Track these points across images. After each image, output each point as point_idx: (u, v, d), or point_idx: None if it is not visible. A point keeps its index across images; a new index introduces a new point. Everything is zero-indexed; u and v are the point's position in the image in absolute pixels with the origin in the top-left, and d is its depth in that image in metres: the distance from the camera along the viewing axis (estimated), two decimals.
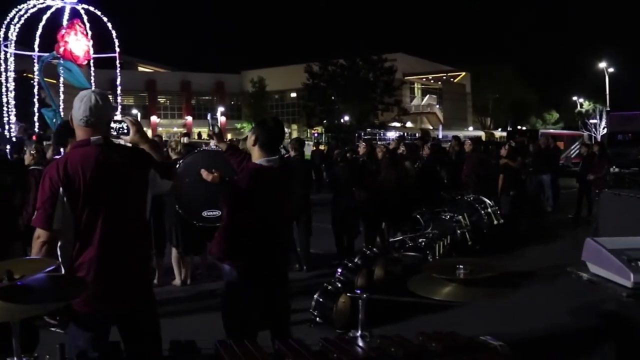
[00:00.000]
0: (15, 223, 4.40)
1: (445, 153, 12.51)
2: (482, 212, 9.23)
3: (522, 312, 5.82)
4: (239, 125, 64.48)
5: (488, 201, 9.51)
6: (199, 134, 39.28)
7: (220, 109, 60.73)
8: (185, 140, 10.09)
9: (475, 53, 65.01)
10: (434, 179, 10.29)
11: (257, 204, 3.86)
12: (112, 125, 3.48)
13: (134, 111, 56.98)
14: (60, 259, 3.14)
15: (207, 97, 70.40)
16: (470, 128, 62.45)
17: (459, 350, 2.09)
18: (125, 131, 3.53)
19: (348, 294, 5.08)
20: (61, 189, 3.05)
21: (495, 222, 9.29)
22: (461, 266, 2.27)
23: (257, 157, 3.99)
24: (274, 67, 65.02)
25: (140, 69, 70.54)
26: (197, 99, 70.05)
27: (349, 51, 45.18)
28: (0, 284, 2.04)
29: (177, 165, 5.26)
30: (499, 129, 59.32)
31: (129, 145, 3.58)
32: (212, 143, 5.18)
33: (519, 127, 58.88)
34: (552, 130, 42.81)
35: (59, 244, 3.13)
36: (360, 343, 2.12)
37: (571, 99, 62.36)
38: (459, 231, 8.62)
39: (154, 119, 62.29)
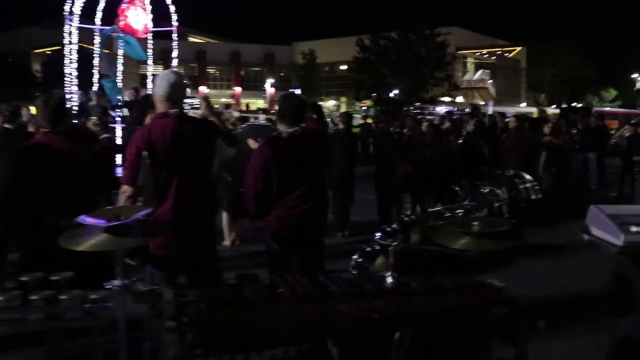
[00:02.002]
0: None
1: (489, 129, 12.75)
2: (521, 186, 9.55)
3: (541, 280, 6.34)
4: None
5: (528, 176, 9.81)
6: (247, 105, 39.84)
7: (270, 81, 61.23)
8: (237, 114, 10.66)
9: (532, 28, 63.13)
10: (476, 154, 10.62)
11: (279, 169, 4.16)
12: (186, 100, 4.11)
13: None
14: None
15: (256, 69, 70.71)
16: (523, 104, 61.33)
17: (468, 288, 2.58)
18: (197, 106, 4.15)
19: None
20: (145, 152, 3.66)
21: (534, 196, 9.59)
22: (475, 222, 2.75)
23: (281, 127, 4.37)
24: (324, 38, 64.94)
25: (191, 39, 71.26)
26: (246, 70, 70.37)
27: (402, 24, 44.85)
28: (111, 222, 2.63)
29: None
30: (553, 106, 58.13)
31: (199, 117, 4.18)
32: (261, 117, 5.74)
33: (574, 104, 57.58)
34: (607, 109, 41.88)
35: (140, 198, 3.76)
36: (389, 279, 2.62)
37: (631, 77, 60.32)
38: (496, 204, 8.97)
39: (203, 89, 62.84)
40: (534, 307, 2.69)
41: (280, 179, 4.17)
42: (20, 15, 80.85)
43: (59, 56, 44.04)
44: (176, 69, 4.10)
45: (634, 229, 3.12)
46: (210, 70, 68.98)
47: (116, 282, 2.68)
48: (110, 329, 4.43)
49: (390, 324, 2.35)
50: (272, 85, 60.53)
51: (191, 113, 4.29)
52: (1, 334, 4.55)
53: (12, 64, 50.13)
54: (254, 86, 67.86)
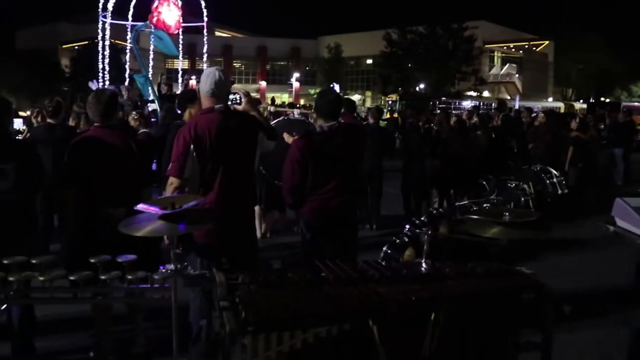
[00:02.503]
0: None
1: (516, 124, 12.81)
2: (548, 181, 9.64)
3: (567, 273, 6.51)
4: (312, 91, 65.02)
5: (554, 171, 9.89)
6: (273, 99, 40.14)
7: (296, 75, 61.43)
8: (272, 108, 10.92)
9: (561, 21, 62.49)
10: (503, 149, 10.71)
11: (314, 162, 4.37)
12: (229, 96, 4.34)
13: None
14: None
15: (282, 63, 71.01)
16: (550, 99, 60.69)
17: (498, 274, 2.76)
18: (239, 101, 4.37)
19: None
20: (192, 146, 3.90)
21: (560, 191, 9.67)
22: (506, 213, 2.92)
23: (319, 121, 4.60)
24: (350, 32, 64.91)
25: (218, 33, 71.72)
26: (272, 64, 70.74)
27: (429, 18, 44.74)
28: (167, 210, 2.86)
29: None
30: (581, 101, 57.38)
31: (242, 112, 4.40)
32: (295, 112, 5.95)
33: (602, 99, 56.75)
34: (636, 104, 41.34)
35: (186, 189, 3.99)
36: (424, 266, 2.82)
37: None
38: (522, 198, 9.08)
39: None
40: (560, 297, 2.83)
41: (315, 171, 4.38)
42: (47, 10, 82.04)
43: (88, 51, 44.79)
44: (220, 68, 4.32)
45: None
46: (237, 65, 69.34)
47: (170, 266, 2.90)
48: (151, 315, 4.73)
49: (426, 305, 2.54)
50: (297, 80, 60.69)
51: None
52: (54, 319, 4.87)
53: (41, 59, 50.90)
54: (279, 80, 68.12)
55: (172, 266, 2.88)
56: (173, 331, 2.95)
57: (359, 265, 2.88)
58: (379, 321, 2.45)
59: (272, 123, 6.68)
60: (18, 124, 5.54)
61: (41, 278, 2.92)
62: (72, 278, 3.00)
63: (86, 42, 51.42)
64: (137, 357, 4.53)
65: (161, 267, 2.99)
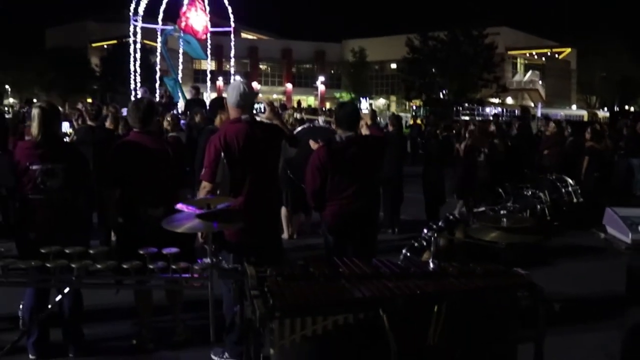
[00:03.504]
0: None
1: (534, 133, 13.07)
2: (563, 190, 9.91)
3: (577, 279, 6.97)
4: (337, 95, 65.46)
5: (570, 180, 10.15)
6: (299, 102, 40.52)
7: (321, 78, 61.82)
8: (298, 115, 11.31)
9: (584, 28, 62.01)
10: (520, 157, 11.00)
11: (333, 169, 4.75)
12: (254, 105, 4.76)
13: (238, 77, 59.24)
14: None
15: (307, 66, 71.56)
16: (574, 107, 60.38)
17: (496, 273, 3.11)
18: (263, 111, 4.80)
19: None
20: (222, 153, 4.32)
21: (575, 200, 9.93)
22: (505, 218, 3.28)
23: (338, 131, 4.96)
24: (375, 37, 65.20)
25: (244, 35, 72.40)
26: (297, 67, 71.31)
27: (451, 23, 44.79)
28: (203, 210, 3.26)
29: None
30: (605, 108, 56.96)
31: (266, 121, 4.81)
32: (320, 119, 6.34)
33: (626, 106, 56.26)
34: None
35: (218, 192, 4.40)
36: (431, 265, 3.18)
37: None
38: (539, 206, 9.38)
39: (254, 85, 63.68)
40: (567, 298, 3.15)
41: (334, 177, 4.77)
42: (76, 8, 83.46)
43: (117, 51, 45.43)
44: (245, 80, 4.75)
45: None
46: (262, 67, 70.01)
47: (207, 260, 3.30)
48: (188, 307, 5.15)
49: (430, 299, 2.91)
50: (322, 83, 61.10)
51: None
52: (100, 308, 5.31)
53: (71, 58, 51.91)
54: (305, 83, 68.69)
55: (208, 260, 3.27)
56: (210, 318, 3.35)
57: (372, 263, 3.25)
58: (388, 311, 2.82)
59: (297, 129, 7.12)
60: (65, 127, 5.94)
61: (98, 266, 3.32)
62: (124, 266, 3.38)
63: (115, 41, 52.45)
64: (176, 345, 4.95)
65: (199, 261, 3.39)
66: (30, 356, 4.51)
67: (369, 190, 4.96)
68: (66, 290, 3.56)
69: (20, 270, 3.35)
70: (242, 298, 3.13)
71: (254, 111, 4.78)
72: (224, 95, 5.23)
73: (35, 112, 4.34)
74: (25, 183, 4.32)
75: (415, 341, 2.91)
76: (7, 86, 53.63)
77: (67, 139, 7.68)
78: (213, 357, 4.65)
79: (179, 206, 3.51)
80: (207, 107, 10.15)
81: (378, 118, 12.09)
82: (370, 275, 3.05)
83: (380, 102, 64.17)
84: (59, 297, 3.86)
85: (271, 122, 4.80)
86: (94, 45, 59.92)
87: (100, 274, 3.44)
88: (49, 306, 4.42)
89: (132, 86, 16.81)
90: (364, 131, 5.30)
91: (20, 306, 4.98)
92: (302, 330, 2.78)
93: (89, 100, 41.38)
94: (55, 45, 54.15)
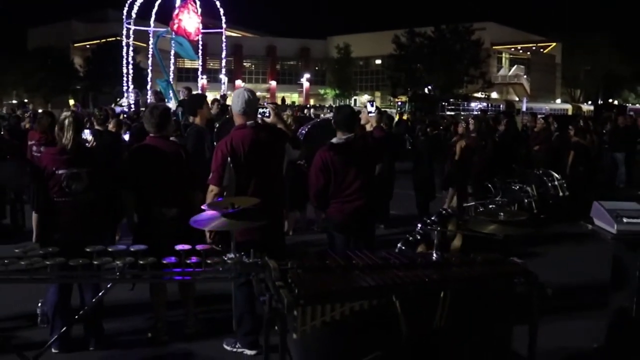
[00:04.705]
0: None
1: (521, 129, 13.45)
2: (550, 184, 10.29)
3: (563, 267, 7.38)
4: (322, 91, 65.77)
5: (556, 175, 10.54)
6: (283, 99, 40.66)
7: (306, 75, 62.01)
8: (311, 112, 11.59)
9: (568, 23, 62.84)
10: (507, 153, 11.37)
11: (335, 170, 5.04)
12: (259, 110, 5.05)
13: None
14: None
15: (292, 62, 71.74)
16: (558, 100, 61.13)
17: (494, 262, 3.45)
18: (267, 115, 5.09)
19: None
20: (229, 158, 4.63)
21: (561, 194, 10.32)
22: (501, 213, 3.62)
23: (338, 134, 5.25)
24: (359, 33, 65.51)
25: (228, 33, 72.15)
26: (282, 64, 71.45)
27: (437, 18, 45.19)
28: (227, 209, 3.56)
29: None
30: (589, 102, 57.71)
31: (271, 125, 5.10)
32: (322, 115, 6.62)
33: (609, 100, 57.05)
34: None
35: (225, 194, 4.69)
36: (435, 256, 3.51)
37: None
38: (526, 200, 9.75)
39: (238, 82, 63.74)
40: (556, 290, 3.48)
41: (336, 177, 5.08)
42: (59, 8, 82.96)
43: (102, 51, 45.26)
44: (248, 88, 5.05)
45: (625, 220, 4.07)
46: (246, 64, 70.06)
47: (230, 255, 3.59)
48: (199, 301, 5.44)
49: (437, 286, 3.24)
50: (307, 80, 61.30)
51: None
52: (118, 304, 5.58)
53: (53, 58, 51.72)
54: (289, 80, 68.83)
55: (231, 255, 3.57)
56: (233, 310, 3.65)
57: (383, 255, 3.58)
58: (400, 297, 3.15)
59: (307, 127, 7.45)
60: (86, 133, 6.22)
61: (118, 263, 3.55)
62: (141, 262, 3.63)
63: (98, 41, 52.33)
64: (188, 337, 5.25)
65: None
66: (54, 350, 4.75)
67: (370, 187, 5.26)
68: (109, 285, 3.81)
69: (45, 268, 3.55)
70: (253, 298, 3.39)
71: (259, 115, 5.07)
72: (208, 93, 5.56)
73: (66, 121, 4.60)
74: (51, 187, 4.59)
75: (423, 324, 3.24)
76: None
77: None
78: (225, 346, 4.96)
79: (204, 207, 3.81)
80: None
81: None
82: (382, 266, 3.37)
83: (365, 98, 64.52)
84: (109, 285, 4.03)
85: (275, 125, 5.10)
86: (76, 45, 59.69)
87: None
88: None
89: (125, 88, 16.99)
90: (368, 127, 5.58)
91: (39, 304, 5.27)
92: (322, 317, 3.09)
93: (71, 101, 41.21)
94: (38, 46, 53.90)
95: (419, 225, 7.48)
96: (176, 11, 16.22)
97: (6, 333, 5.10)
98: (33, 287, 5.08)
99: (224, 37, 17.99)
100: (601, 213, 4.18)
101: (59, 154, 4.63)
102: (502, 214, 3.61)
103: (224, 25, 17.76)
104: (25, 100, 33.61)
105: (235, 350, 4.89)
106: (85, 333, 5.00)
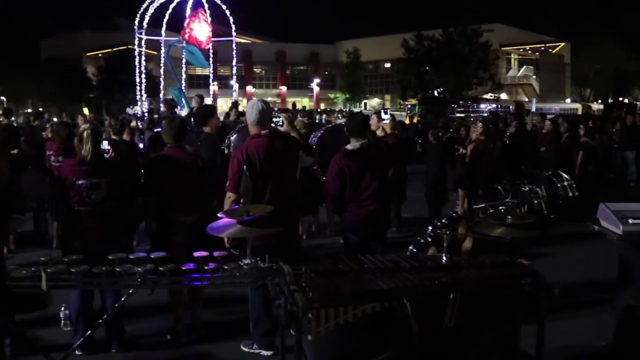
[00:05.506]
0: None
1: (530, 130, 13.52)
2: (559, 185, 10.36)
3: (572, 267, 7.48)
4: (332, 95, 65.91)
5: (565, 175, 10.61)
6: (294, 104, 40.77)
7: (316, 80, 62.17)
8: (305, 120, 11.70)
9: (576, 22, 62.40)
10: (517, 154, 11.45)
11: (351, 175, 5.20)
12: (273, 119, 5.21)
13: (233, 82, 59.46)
14: None
15: (301, 67, 71.95)
16: (568, 100, 60.81)
17: (502, 264, 3.56)
18: (281, 124, 5.25)
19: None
20: (245, 166, 4.78)
21: (571, 194, 10.38)
22: (509, 216, 3.74)
23: (351, 140, 5.41)
24: (368, 37, 65.59)
25: (237, 39, 72.49)
26: (291, 69, 71.69)
27: (446, 21, 45.21)
28: (242, 217, 3.70)
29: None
30: (599, 101, 57.39)
31: (284, 133, 5.26)
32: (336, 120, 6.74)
33: (620, 98, 56.69)
34: None
35: (242, 201, 4.84)
36: (444, 259, 3.63)
37: None
38: (535, 201, 9.83)
39: (249, 88, 64.08)
40: (564, 289, 3.59)
41: (352, 182, 5.23)
42: (70, 19, 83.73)
43: (114, 60, 45.62)
44: (262, 99, 5.20)
45: (630, 221, 4.19)
46: (257, 70, 70.29)
47: (246, 261, 3.73)
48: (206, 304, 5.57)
49: (447, 288, 3.36)
50: (317, 84, 61.47)
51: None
52: (137, 307, 5.73)
53: (66, 67, 52.23)
54: (299, 85, 69.05)
55: (247, 260, 3.71)
56: (250, 313, 3.79)
57: (393, 258, 3.71)
58: (411, 300, 3.27)
59: (319, 133, 7.60)
60: (104, 144, 6.38)
61: (138, 269, 3.70)
62: (161, 269, 3.78)
63: (110, 50, 52.80)
64: (206, 339, 5.39)
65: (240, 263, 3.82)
66: (77, 352, 4.87)
67: (384, 191, 5.40)
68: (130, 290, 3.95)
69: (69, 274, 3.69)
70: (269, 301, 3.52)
71: (273, 124, 5.23)
72: (219, 99, 5.74)
73: (85, 133, 4.77)
74: (72, 196, 4.75)
75: (433, 325, 3.37)
76: (2, 97, 53.86)
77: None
78: (243, 348, 5.10)
79: (220, 214, 3.96)
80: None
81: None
82: (393, 269, 3.50)
83: (375, 101, 64.61)
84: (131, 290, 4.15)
85: (289, 134, 5.26)
86: (88, 54, 60.23)
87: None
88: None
89: (138, 96, 17.23)
90: (379, 132, 5.72)
91: (62, 307, 5.43)
92: (336, 319, 3.21)
93: (85, 109, 41.64)
94: (50, 56, 54.46)
95: (430, 227, 7.62)
96: (187, 20, 16.42)
97: (32, 336, 5.26)
98: (55, 291, 5.22)
99: (234, 44, 18.17)
100: (607, 214, 4.31)
101: (79, 164, 4.79)
102: (509, 217, 3.73)
103: (234, 34, 17.93)
104: (41, 109, 33.98)
105: (252, 351, 5.04)
106: (107, 336, 5.16)
